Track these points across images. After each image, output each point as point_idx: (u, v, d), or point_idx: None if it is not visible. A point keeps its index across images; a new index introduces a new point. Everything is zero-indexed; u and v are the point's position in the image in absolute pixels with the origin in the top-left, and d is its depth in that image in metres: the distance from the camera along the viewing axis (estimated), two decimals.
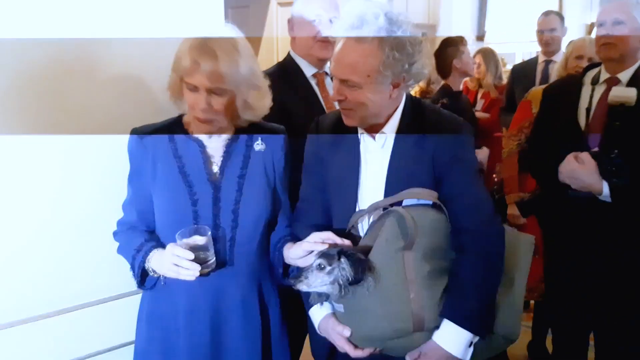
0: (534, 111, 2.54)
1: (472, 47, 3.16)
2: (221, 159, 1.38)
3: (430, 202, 1.33)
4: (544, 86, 2.67)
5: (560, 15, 3.41)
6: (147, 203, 1.38)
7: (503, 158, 2.63)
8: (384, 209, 1.33)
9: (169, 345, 1.38)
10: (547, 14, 3.41)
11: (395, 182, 1.35)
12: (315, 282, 1.27)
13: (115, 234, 1.44)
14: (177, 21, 1.62)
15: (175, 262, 1.24)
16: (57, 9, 1.40)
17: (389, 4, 4.14)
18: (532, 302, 2.91)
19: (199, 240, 1.26)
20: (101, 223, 1.46)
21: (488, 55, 3.87)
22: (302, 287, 1.28)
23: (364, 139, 1.41)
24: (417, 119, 1.38)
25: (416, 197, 1.32)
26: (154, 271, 1.33)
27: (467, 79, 3.76)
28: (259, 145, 1.42)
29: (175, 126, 1.39)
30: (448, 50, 2.92)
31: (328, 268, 1.25)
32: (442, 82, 3.06)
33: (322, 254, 1.28)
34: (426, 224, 1.30)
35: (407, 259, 1.27)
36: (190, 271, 1.24)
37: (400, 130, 1.37)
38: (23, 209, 1.40)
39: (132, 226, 1.41)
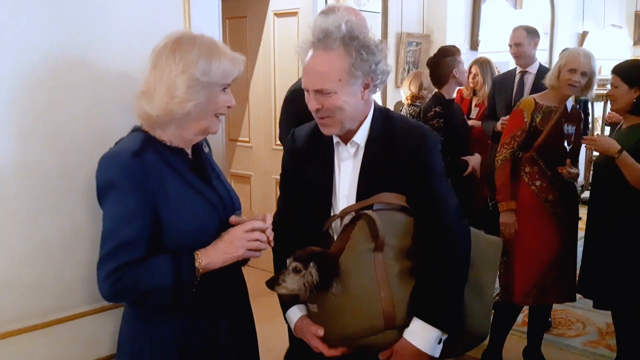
0: (526, 120, 2.59)
1: (465, 56, 3.21)
2: (197, 163, 1.39)
3: (399, 206, 1.39)
4: (534, 95, 2.72)
5: (528, 30, 3.52)
6: (153, 227, 1.26)
7: (496, 166, 2.67)
8: (355, 212, 1.40)
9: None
10: (515, 29, 3.56)
11: (366, 188, 1.41)
12: (292, 285, 1.33)
13: (117, 281, 1.22)
14: (173, 29, 1.65)
15: (256, 237, 1.29)
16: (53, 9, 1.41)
17: (380, 16, 4.13)
18: (526, 307, 2.92)
19: (259, 223, 1.31)
20: (96, 229, 1.38)
21: (484, 65, 3.92)
22: (282, 290, 1.34)
23: (338, 148, 1.48)
24: (385, 128, 1.45)
25: (386, 201, 1.39)
26: (198, 277, 1.26)
27: (461, 87, 3.81)
28: (205, 147, 1.47)
29: (153, 141, 1.32)
30: (446, 61, 2.95)
31: (303, 271, 1.31)
32: (435, 90, 3.09)
33: (297, 257, 1.34)
34: (396, 227, 1.38)
35: (377, 260, 1.34)
36: (264, 244, 1.30)
37: (370, 139, 1.44)
38: (18, 216, 1.40)
39: (137, 260, 1.24)
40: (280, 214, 1.57)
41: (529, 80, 3.39)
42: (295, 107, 1.92)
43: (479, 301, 1.45)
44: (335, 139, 1.48)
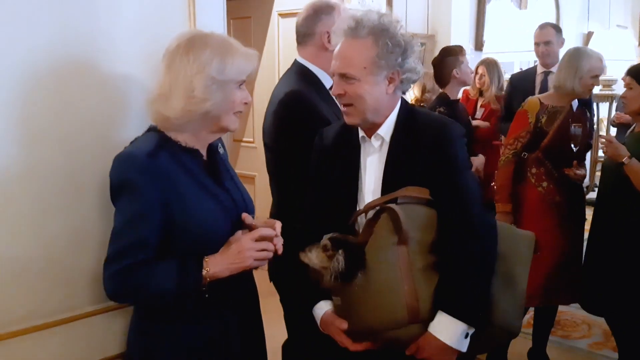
0: (531, 121, 2.58)
1: (470, 56, 3.20)
2: (212, 164, 1.39)
3: (423, 199, 1.39)
4: (539, 95, 2.71)
5: (556, 28, 3.43)
6: (164, 229, 1.26)
7: (499, 167, 2.66)
8: (379, 206, 1.40)
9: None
10: (542, 27, 3.44)
11: (391, 181, 1.42)
12: (314, 259, 1.33)
13: (121, 282, 1.24)
14: (180, 31, 1.65)
15: (264, 247, 1.28)
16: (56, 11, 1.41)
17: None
18: (532, 309, 2.91)
19: (268, 231, 1.30)
20: (104, 230, 1.42)
21: (491, 66, 3.90)
22: (304, 258, 1.35)
23: (364, 144, 1.50)
24: (409, 121, 1.47)
25: (410, 195, 1.39)
26: (205, 284, 1.25)
27: (467, 87, 3.80)
28: (220, 149, 1.47)
29: (168, 142, 1.31)
30: (447, 60, 2.95)
31: (330, 252, 1.32)
32: (440, 90, 3.09)
33: (330, 238, 1.35)
34: (419, 220, 1.38)
35: (401, 253, 1.34)
36: (272, 252, 1.29)
37: (395, 133, 1.46)
38: (25, 216, 1.40)
39: (143, 262, 1.24)
40: (306, 213, 1.57)
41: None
42: (299, 112, 1.83)
43: (510, 295, 1.44)
44: (361, 134, 1.50)
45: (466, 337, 1.38)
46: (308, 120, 1.78)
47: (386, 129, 1.46)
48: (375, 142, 1.47)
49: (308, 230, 1.48)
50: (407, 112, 1.49)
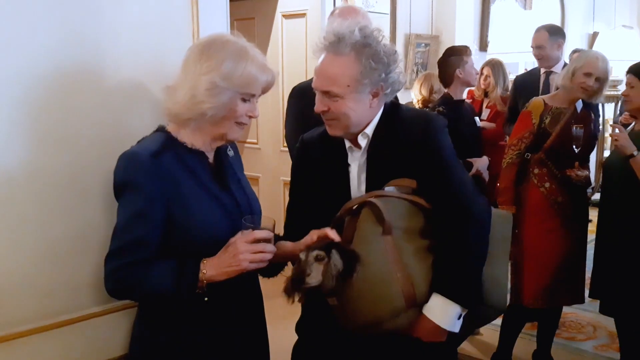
0: (534, 122, 2.57)
1: (475, 57, 3.18)
2: (218, 166, 1.39)
3: (409, 189, 1.39)
4: (544, 96, 2.70)
5: (550, 30, 3.40)
6: (164, 228, 1.27)
7: (502, 168, 2.65)
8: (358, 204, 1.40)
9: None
10: (537, 30, 3.44)
11: (375, 174, 1.43)
12: (319, 275, 1.31)
13: (119, 279, 1.25)
14: (183, 32, 1.66)
15: (260, 249, 1.24)
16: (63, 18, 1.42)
17: (388, 17, 4.11)
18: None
19: (263, 233, 1.26)
20: (108, 231, 1.38)
21: (496, 67, 3.88)
22: (313, 281, 1.32)
23: (351, 152, 1.49)
24: (392, 117, 1.47)
25: (396, 186, 1.39)
26: (203, 286, 1.25)
27: (472, 88, 3.78)
28: (230, 151, 1.46)
29: (174, 143, 1.32)
30: (451, 60, 2.94)
31: (326, 259, 1.30)
32: (444, 90, 3.08)
33: (313, 248, 1.33)
34: (402, 209, 1.38)
35: (387, 243, 1.34)
36: (270, 254, 1.26)
37: (377, 127, 1.46)
38: (29, 218, 1.40)
39: (142, 261, 1.24)
40: (291, 222, 1.56)
41: (561, 78, 3.32)
42: (300, 104, 1.91)
43: (494, 273, 1.43)
44: (347, 144, 1.49)
45: (459, 318, 1.39)
46: (312, 113, 1.80)
47: (371, 128, 1.46)
48: (362, 140, 1.47)
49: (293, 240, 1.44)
50: (390, 109, 1.49)
